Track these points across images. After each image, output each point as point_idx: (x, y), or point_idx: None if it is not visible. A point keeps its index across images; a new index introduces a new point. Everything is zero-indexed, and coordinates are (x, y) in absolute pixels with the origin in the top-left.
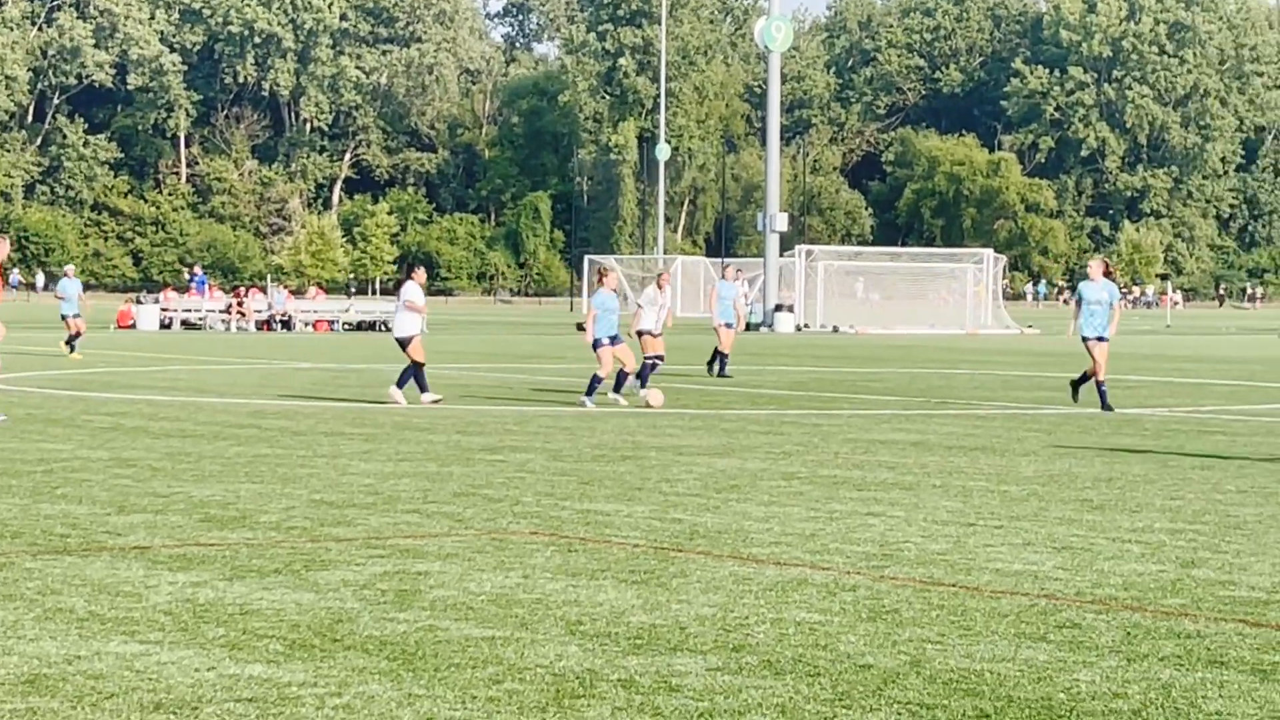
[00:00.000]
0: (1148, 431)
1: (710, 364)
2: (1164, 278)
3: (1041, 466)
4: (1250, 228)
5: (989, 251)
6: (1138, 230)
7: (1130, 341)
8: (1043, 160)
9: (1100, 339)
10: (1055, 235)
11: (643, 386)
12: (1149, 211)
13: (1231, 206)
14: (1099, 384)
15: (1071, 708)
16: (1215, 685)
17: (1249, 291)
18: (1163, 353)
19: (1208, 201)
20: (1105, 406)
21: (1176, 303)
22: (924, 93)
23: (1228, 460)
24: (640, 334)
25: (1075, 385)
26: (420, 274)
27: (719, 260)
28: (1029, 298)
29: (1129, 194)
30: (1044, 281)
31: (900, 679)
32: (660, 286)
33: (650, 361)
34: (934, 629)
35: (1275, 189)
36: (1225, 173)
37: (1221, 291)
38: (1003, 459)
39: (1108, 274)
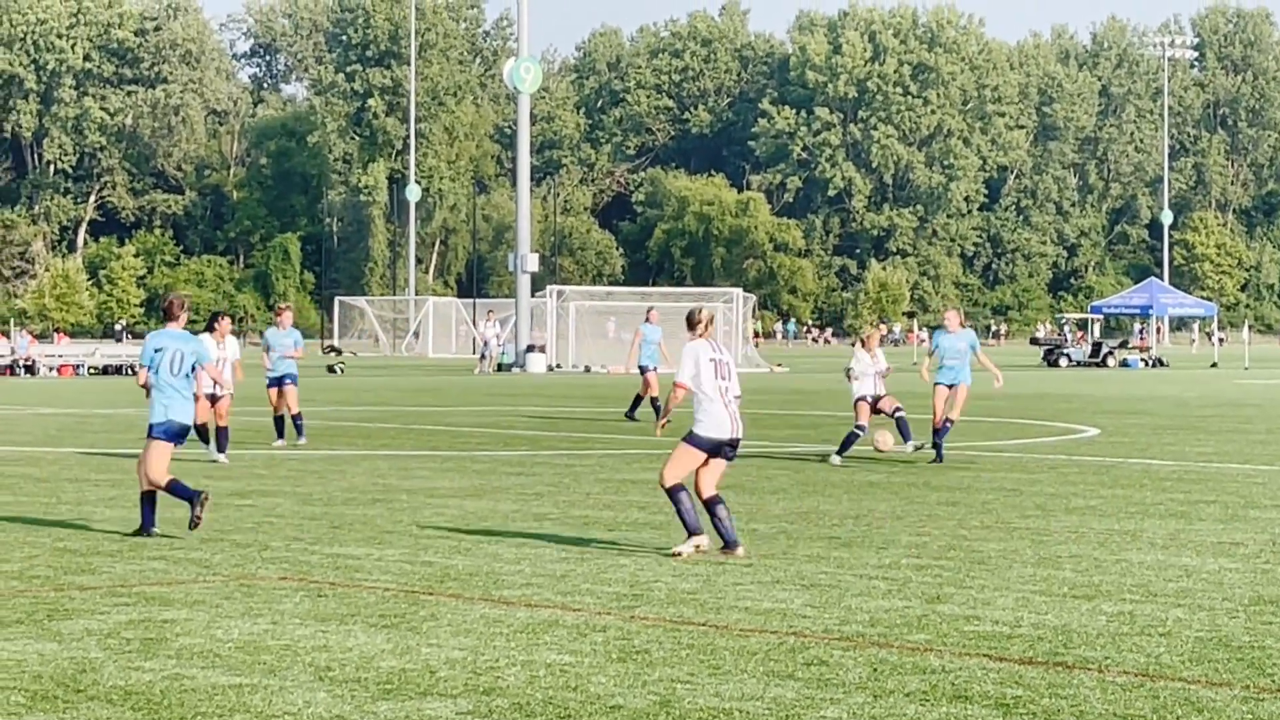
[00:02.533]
0: (894, 469)
1: (631, 410)
2: (910, 315)
3: (790, 504)
4: (994, 265)
5: (739, 291)
6: (884, 269)
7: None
8: (791, 200)
9: (952, 385)
10: (804, 274)
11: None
12: (895, 250)
13: (975, 245)
14: (938, 431)
15: None
16: (959, 719)
17: (993, 328)
18: (909, 390)
19: (952, 240)
20: (938, 453)
21: (923, 340)
22: (673, 133)
23: (972, 495)
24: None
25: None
26: (224, 324)
27: (470, 301)
28: (778, 336)
29: (875, 233)
30: (793, 320)
31: (650, 719)
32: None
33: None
34: (684, 668)
35: (1017, 228)
36: (969, 212)
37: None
38: (752, 497)
39: (962, 323)
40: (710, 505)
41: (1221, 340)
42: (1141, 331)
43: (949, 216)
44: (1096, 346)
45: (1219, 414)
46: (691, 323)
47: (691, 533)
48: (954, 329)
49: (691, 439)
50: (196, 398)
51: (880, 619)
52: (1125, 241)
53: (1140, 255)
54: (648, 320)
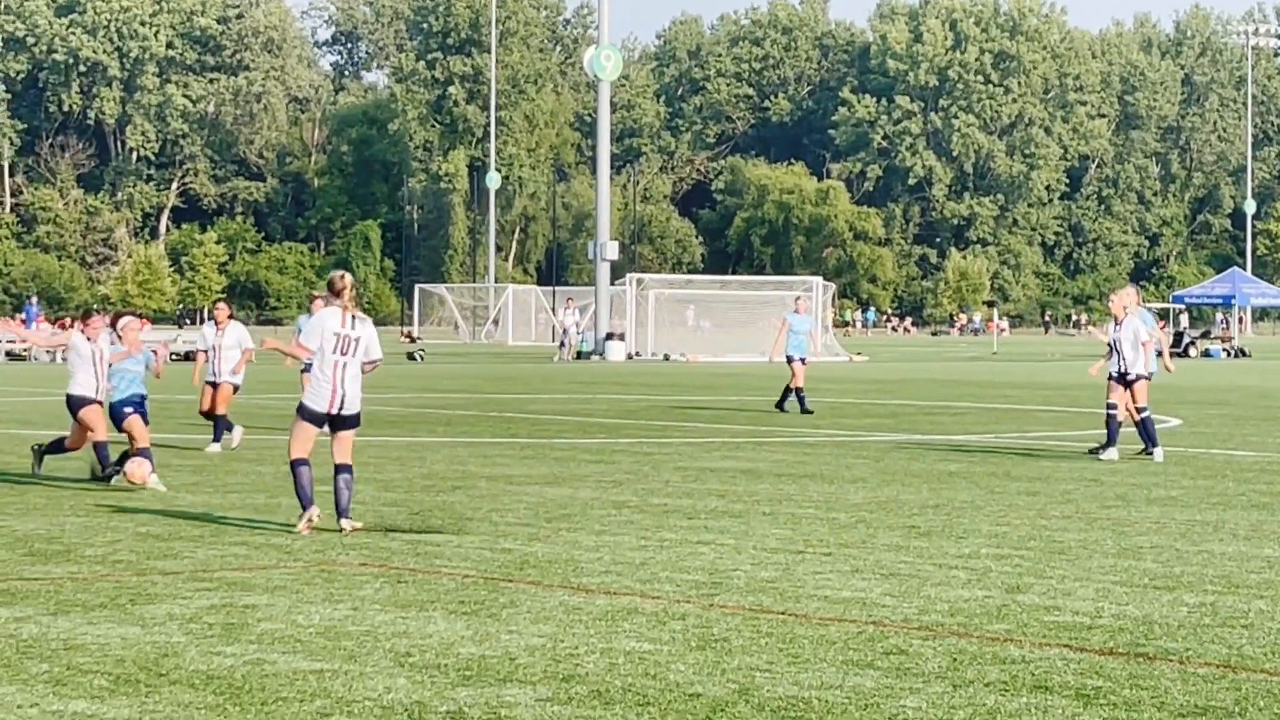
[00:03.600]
0: (974, 458)
1: (781, 401)
2: (990, 304)
3: (869, 493)
4: (1075, 255)
5: (818, 279)
6: (964, 258)
7: (957, 368)
8: (871, 189)
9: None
10: (883, 263)
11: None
12: (975, 239)
13: (1056, 234)
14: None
15: None
16: (1039, 710)
17: (1074, 318)
18: (989, 379)
19: (1033, 229)
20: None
21: (1003, 329)
22: (753, 121)
23: (1052, 485)
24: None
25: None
26: (222, 311)
27: (549, 288)
28: (857, 325)
29: (955, 222)
30: (873, 309)
31: (729, 707)
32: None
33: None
34: (762, 657)
35: (1098, 217)
36: (1050, 201)
37: (1047, 318)
38: (831, 486)
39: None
40: (334, 472)
41: None
42: (1224, 321)
43: (1029, 205)
44: (1178, 336)
45: None
46: (334, 289)
47: (304, 506)
48: (802, 310)
49: (300, 410)
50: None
51: (960, 608)
52: (1207, 231)
53: (1223, 245)
54: (796, 310)
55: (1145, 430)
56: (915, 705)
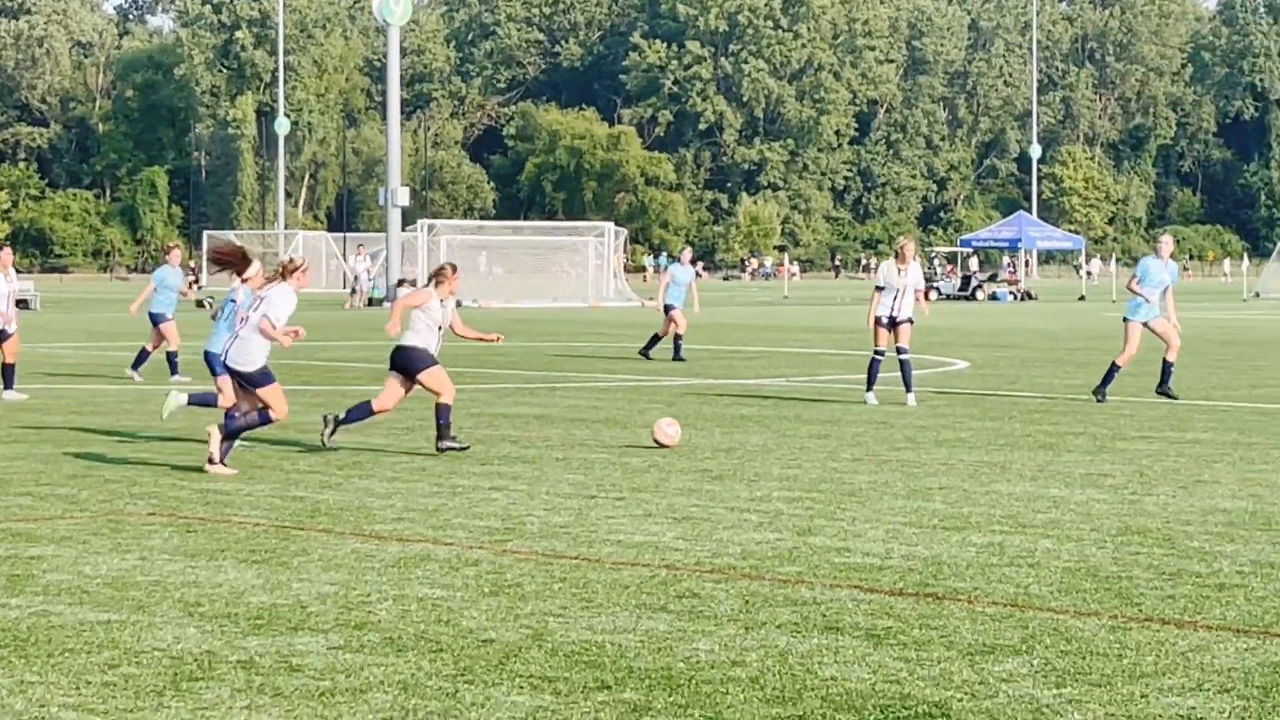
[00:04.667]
0: (766, 402)
1: (647, 349)
2: (781, 249)
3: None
4: (864, 199)
5: (610, 225)
6: (755, 203)
7: (749, 313)
8: (662, 134)
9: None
10: (675, 208)
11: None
12: (766, 184)
13: (846, 179)
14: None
15: (691, 676)
16: (830, 651)
17: (863, 262)
18: (781, 323)
19: (823, 174)
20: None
21: (794, 274)
22: (544, 66)
23: (843, 428)
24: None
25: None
26: (5, 255)
27: (340, 235)
28: (649, 270)
29: (746, 167)
30: (665, 254)
31: (522, 652)
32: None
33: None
34: (555, 602)
35: (887, 161)
36: (839, 145)
37: (837, 262)
38: (624, 431)
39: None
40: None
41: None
42: (1011, 265)
43: (819, 150)
44: (966, 280)
45: (1087, 346)
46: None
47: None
48: (1165, 256)
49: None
50: None
51: (752, 551)
52: (994, 175)
53: (1009, 189)
54: (678, 260)
55: (875, 373)
56: (708, 648)
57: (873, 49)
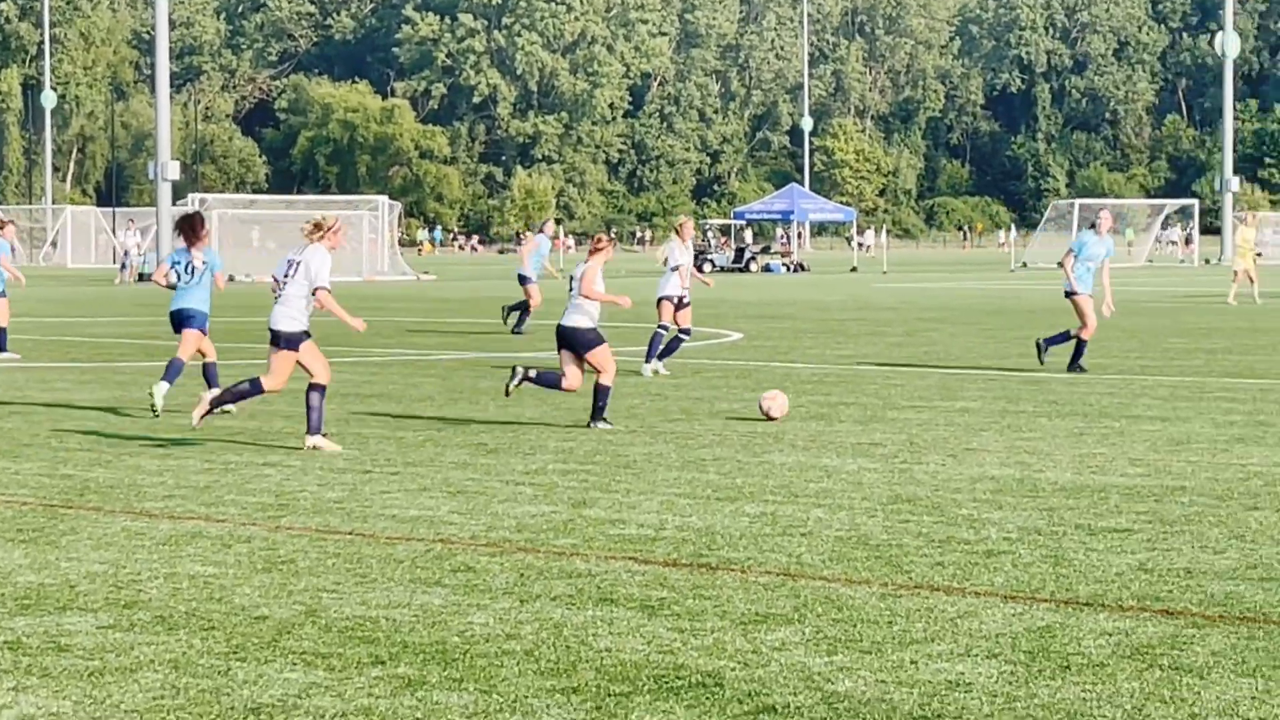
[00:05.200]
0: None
1: (510, 317)
2: (557, 222)
3: (437, 411)
4: (638, 172)
5: (384, 198)
6: (530, 176)
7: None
8: (435, 107)
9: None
10: (450, 181)
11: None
12: (541, 157)
13: (620, 151)
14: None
15: (465, 650)
16: (605, 623)
17: (638, 235)
18: (555, 296)
19: (597, 147)
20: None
21: (569, 246)
22: (316, 39)
23: (618, 400)
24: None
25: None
26: None
27: (110, 210)
28: (424, 244)
29: (521, 140)
30: (439, 228)
31: (295, 629)
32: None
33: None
34: (329, 578)
35: (661, 134)
36: (613, 118)
37: (612, 235)
38: (399, 405)
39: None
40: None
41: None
42: (784, 237)
43: (594, 123)
44: (740, 252)
45: (858, 317)
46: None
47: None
48: (1103, 231)
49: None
50: None
51: (527, 524)
52: (767, 148)
53: (782, 161)
54: (541, 231)
55: (658, 346)
56: (482, 621)
57: (645, 22)
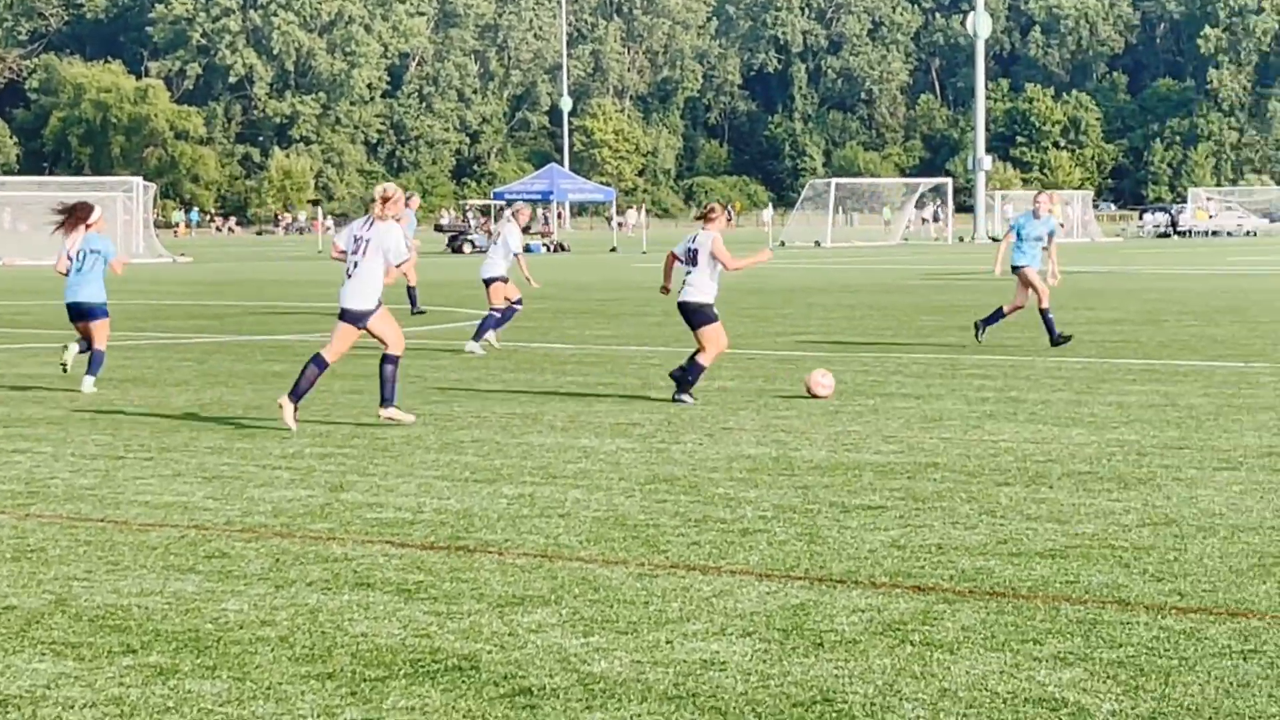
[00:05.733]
0: (299, 358)
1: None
2: (315, 203)
3: (192, 396)
4: (398, 152)
5: (139, 180)
6: (288, 156)
7: (283, 268)
8: (191, 87)
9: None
10: (206, 162)
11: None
12: (299, 138)
13: (379, 132)
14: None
15: (219, 637)
16: (361, 607)
17: None
18: (315, 278)
19: (356, 127)
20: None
21: (328, 228)
22: (67, 18)
23: (375, 384)
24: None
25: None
26: None
27: None
28: (180, 225)
29: (278, 120)
30: (196, 209)
31: (45, 619)
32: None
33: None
34: (80, 566)
35: (420, 115)
36: (372, 99)
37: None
38: (154, 389)
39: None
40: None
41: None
42: (544, 217)
43: (352, 104)
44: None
45: (618, 298)
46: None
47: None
48: (1042, 213)
49: None
50: None
51: (283, 509)
52: (526, 128)
53: (541, 142)
54: (407, 205)
55: (488, 326)
56: (237, 608)
57: (403, 2)
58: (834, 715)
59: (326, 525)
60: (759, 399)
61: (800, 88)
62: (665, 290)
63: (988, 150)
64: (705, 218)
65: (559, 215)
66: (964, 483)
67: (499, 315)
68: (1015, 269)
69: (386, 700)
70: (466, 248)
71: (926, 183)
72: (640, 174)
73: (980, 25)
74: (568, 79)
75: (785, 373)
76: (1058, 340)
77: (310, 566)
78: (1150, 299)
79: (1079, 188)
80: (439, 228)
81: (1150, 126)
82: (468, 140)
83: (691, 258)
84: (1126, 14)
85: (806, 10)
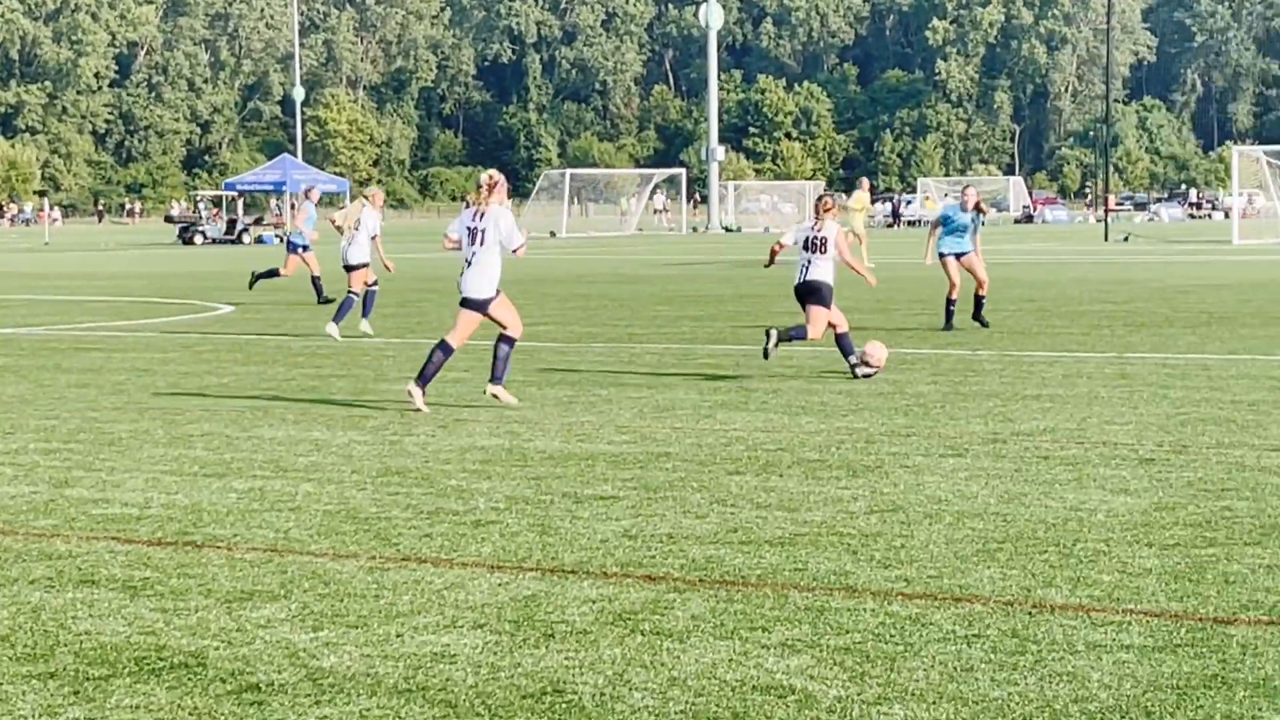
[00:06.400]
0: (23, 351)
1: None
2: (42, 194)
3: None
4: (126, 143)
5: None
6: (13, 147)
7: (8, 260)
8: None
9: (961, 254)
10: None
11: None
12: (24, 128)
13: (107, 122)
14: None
15: None
16: (86, 605)
17: (128, 206)
18: (41, 271)
19: (83, 117)
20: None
21: (55, 219)
22: None
23: (104, 377)
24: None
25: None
26: None
27: None
28: None
29: (3, 110)
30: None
31: None
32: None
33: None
34: None
35: (150, 104)
36: (100, 88)
37: (100, 207)
38: None
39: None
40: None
41: None
42: (277, 208)
43: (79, 93)
44: (231, 223)
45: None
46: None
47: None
48: (969, 207)
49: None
50: None
51: (5, 506)
52: (259, 118)
53: (274, 132)
54: (308, 197)
55: (343, 309)
56: None
57: None
58: (564, 706)
59: (50, 522)
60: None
61: (535, 78)
62: (769, 265)
63: (721, 141)
64: (824, 209)
65: (292, 206)
66: (696, 472)
67: (356, 298)
68: (942, 256)
69: (110, 699)
70: (198, 239)
71: (661, 173)
72: (375, 164)
73: (713, 17)
74: (300, 68)
75: (519, 363)
76: (981, 320)
77: (33, 564)
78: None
79: (810, 178)
80: (169, 219)
81: (880, 117)
82: (199, 130)
83: (819, 245)
84: (856, 6)
85: (540, 1)
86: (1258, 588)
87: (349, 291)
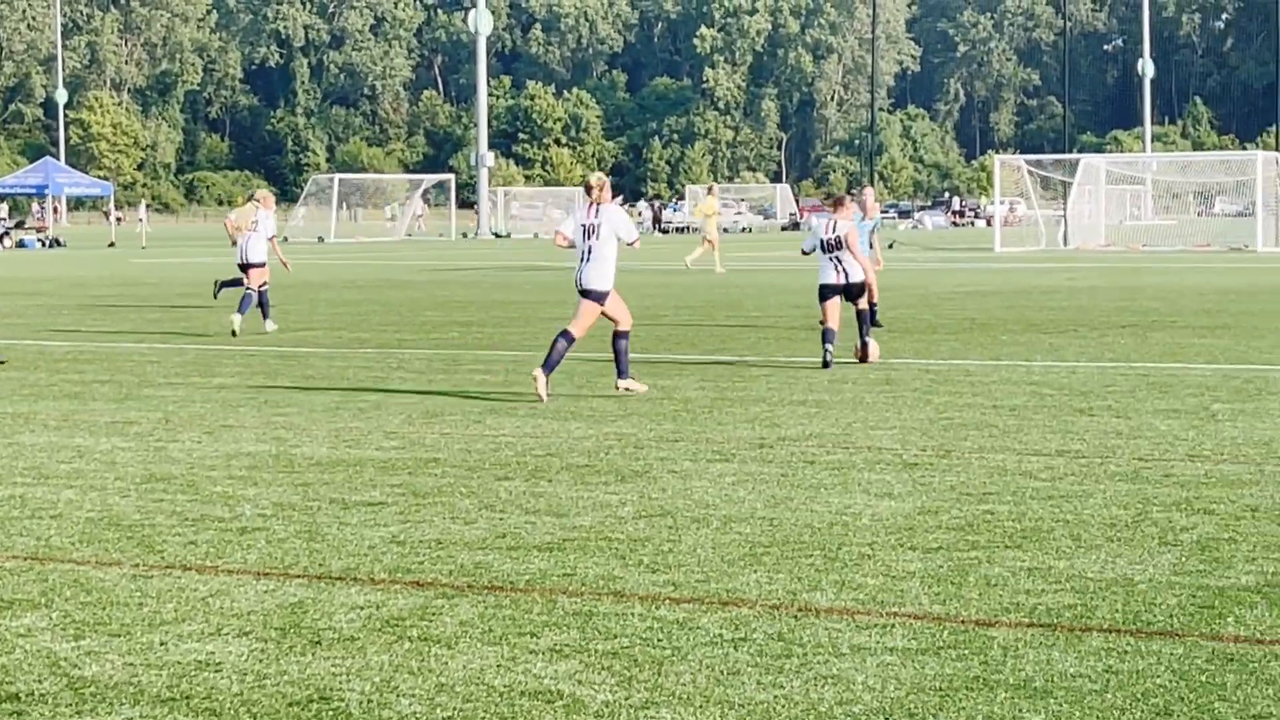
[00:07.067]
0: None
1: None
2: None
3: None
4: None
5: None
6: None
7: None
8: None
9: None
10: None
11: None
12: None
13: None
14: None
15: None
16: None
17: None
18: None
19: None
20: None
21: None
22: None
23: None
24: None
25: None
26: None
27: None
28: None
29: None
30: None
31: None
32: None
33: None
34: None
35: None
36: None
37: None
38: None
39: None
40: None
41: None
42: (39, 211)
43: None
44: (20, 224)
45: (116, 294)
46: (588, 187)
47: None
48: (868, 209)
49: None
50: None
51: None
52: (20, 121)
53: (36, 134)
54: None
55: (249, 304)
56: None
57: None
58: (331, 713)
59: None
60: (259, 395)
61: (303, 82)
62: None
63: (490, 147)
64: (838, 206)
65: (54, 210)
66: (464, 477)
67: (254, 294)
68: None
69: None
70: None
71: (430, 179)
72: (139, 168)
73: (481, 22)
74: (63, 70)
75: (287, 369)
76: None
77: None
78: (647, 294)
79: (580, 185)
80: None
81: (649, 124)
82: None
83: (840, 244)
84: (625, 13)
85: (308, 5)
86: (1018, 590)
87: (246, 288)
